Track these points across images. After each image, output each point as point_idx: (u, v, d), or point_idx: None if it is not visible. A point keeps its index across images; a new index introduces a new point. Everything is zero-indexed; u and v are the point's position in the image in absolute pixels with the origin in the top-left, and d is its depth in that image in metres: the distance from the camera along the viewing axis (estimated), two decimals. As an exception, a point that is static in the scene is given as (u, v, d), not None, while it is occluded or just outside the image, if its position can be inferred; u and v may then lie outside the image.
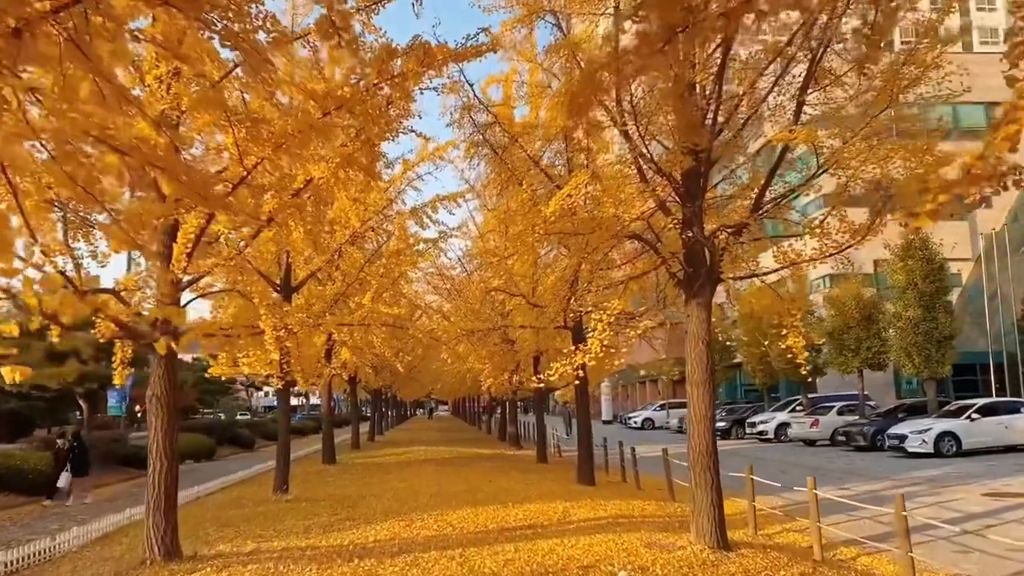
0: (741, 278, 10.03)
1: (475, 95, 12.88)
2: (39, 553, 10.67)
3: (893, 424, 24.96)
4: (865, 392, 30.36)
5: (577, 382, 13.29)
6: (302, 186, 9.20)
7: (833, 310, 28.89)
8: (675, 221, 9.11)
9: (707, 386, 9.68)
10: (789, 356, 10.77)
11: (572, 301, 14.83)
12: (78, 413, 29.44)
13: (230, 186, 7.97)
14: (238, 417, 61.58)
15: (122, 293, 9.65)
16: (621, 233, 9.57)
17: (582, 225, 9.17)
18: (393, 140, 9.80)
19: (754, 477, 11.95)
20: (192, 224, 8.15)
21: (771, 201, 9.62)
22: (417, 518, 12.32)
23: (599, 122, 14.63)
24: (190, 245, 8.32)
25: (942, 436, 22.22)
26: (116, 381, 9.89)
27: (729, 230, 9.55)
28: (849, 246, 9.55)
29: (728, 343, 39.41)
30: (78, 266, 9.61)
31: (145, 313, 9.50)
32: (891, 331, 27.76)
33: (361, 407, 49.17)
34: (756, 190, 9.62)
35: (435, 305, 29.13)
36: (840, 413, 29.51)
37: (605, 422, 58.79)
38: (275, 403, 18.52)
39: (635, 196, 9.36)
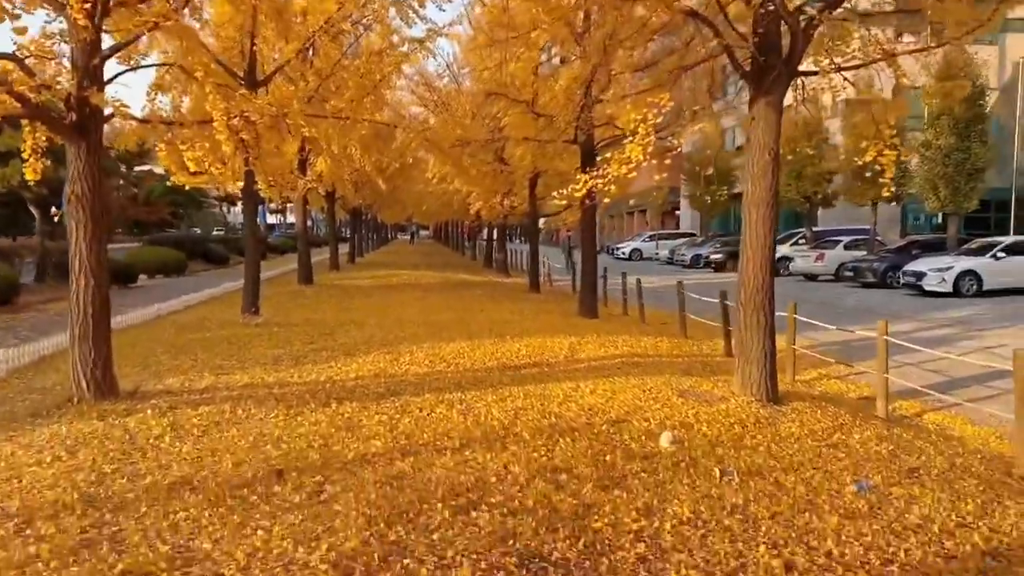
0: (841, 69, 7.82)
1: None
2: (-44, 380, 9.03)
3: (906, 261, 23.52)
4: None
5: (591, 203, 11.34)
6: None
7: (851, 137, 26.60)
8: (752, -12, 6.80)
9: (769, 208, 7.79)
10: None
11: (586, 110, 12.63)
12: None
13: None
14: (214, 233, 59.74)
15: (27, 60, 7.34)
16: (678, 5, 7.28)
17: (630, -12, 6.86)
18: None
19: (796, 316, 10.42)
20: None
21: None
22: (405, 350, 10.74)
23: None
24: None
25: (963, 275, 20.81)
26: (28, 175, 7.77)
27: (818, 4, 7.28)
28: (968, 32, 7.36)
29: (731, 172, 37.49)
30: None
31: (58, 88, 7.29)
32: (915, 160, 25.67)
33: (341, 228, 47.31)
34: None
35: (420, 118, 26.61)
36: (847, 248, 28.03)
37: (591, 251, 57.55)
38: (254, 220, 16.30)
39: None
